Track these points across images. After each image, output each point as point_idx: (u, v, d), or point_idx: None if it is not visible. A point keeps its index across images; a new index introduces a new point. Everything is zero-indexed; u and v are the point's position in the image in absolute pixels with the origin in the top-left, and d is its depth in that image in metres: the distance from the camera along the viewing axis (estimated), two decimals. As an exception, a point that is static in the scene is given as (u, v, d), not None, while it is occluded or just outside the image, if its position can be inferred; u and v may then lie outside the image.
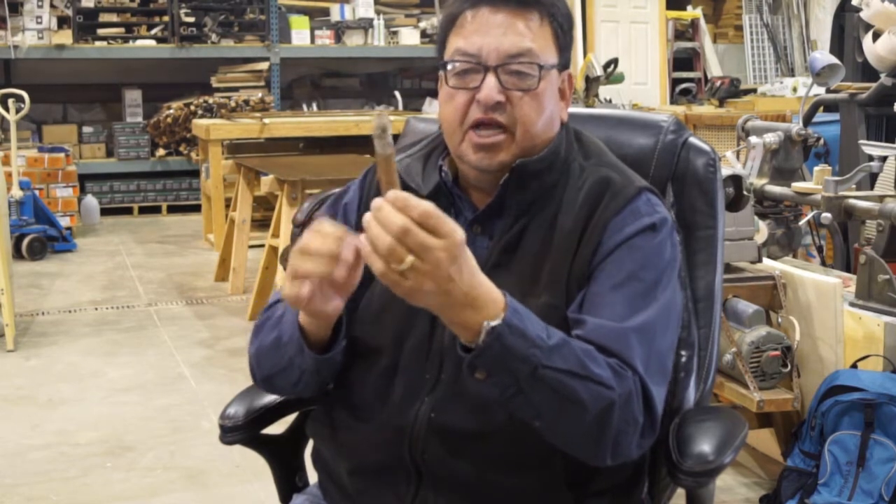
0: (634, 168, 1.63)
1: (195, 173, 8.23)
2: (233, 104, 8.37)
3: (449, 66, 1.51)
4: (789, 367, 2.94)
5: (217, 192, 6.86)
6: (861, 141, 4.23)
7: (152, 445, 3.63)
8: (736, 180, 2.88)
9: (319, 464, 1.63)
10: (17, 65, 8.56)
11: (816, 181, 3.42)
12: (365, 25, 9.10)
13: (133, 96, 8.94)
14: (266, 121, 7.10)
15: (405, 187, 1.33)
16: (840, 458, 2.82)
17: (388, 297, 1.45)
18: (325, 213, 1.68)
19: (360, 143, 6.90)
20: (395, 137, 2.02)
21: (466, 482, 1.48)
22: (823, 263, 4.02)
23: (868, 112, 4.81)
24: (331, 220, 1.35)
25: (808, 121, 4.64)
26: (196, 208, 8.15)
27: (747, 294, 3.04)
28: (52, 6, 8.38)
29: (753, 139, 3.67)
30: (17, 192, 6.58)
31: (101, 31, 8.54)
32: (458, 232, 1.22)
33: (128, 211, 8.62)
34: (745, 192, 2.94)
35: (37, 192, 6.96)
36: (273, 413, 1.78)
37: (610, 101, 7.73)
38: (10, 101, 6.65)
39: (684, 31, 9.91)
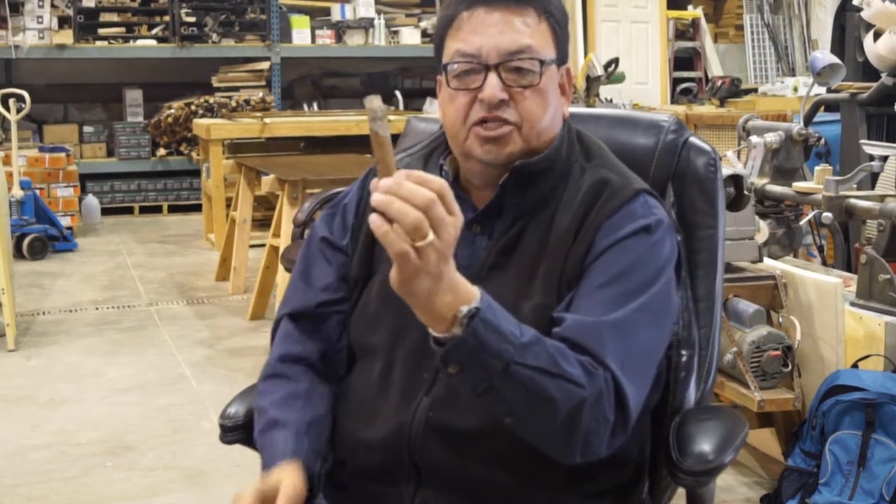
0: (635, 168, 1.62)
1: (196, 173, 8.23)
2: (233, 104, 8.37)
3: (449, 68, 1.51)
4: (790, 367, 2.94)
5: (218, 192, 6.86)
6: (862, 140, 4.23)
7: (153, 445, 3.63)
8: (737, 180, 2.88)
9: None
10: (18, 64, 8.56)
11: (817, 181, 3.41)
12: (366, 25, 9.10)
13: (134, 96, 8.94)
14: (267, 120, 7.10)
15: None
16: (841, 458, 2.82)
17: (385, 297, 1.45)
18: (324, 214, 1.69)
19: (361, 143, 6.89)
20: (396, 137, 2.02)
21: (466, 481, 1.48)
22: (824, 263, 4.02)
23: (869, 112, 4.81)
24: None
25: (808, 120, 4.64)
26: (197, 208, 8.15)
27: (748, 294, 3.04)
28: (53, 6, 8.38)
29: (754, 139, 3.67)
30: (17, 192, 6.58)
31: (101, 31, 8.54)
32: (459, 212, 1.22)
33: (129, 210, 8.62)
34: (745, 192, 2.93)
35: (38, 192, 6.96)
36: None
37: (611, 100, 7.73)
38: (11, 101, 6.65)
39: (685, 31, 9.90)
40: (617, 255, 1.46)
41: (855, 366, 2.91)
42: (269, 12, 8.83)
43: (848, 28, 5.52)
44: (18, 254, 6.54)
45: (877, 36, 4.70)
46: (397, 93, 8.73)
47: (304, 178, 5.08)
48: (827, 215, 3.24)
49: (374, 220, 1.18)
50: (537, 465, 1.45)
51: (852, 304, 3.04)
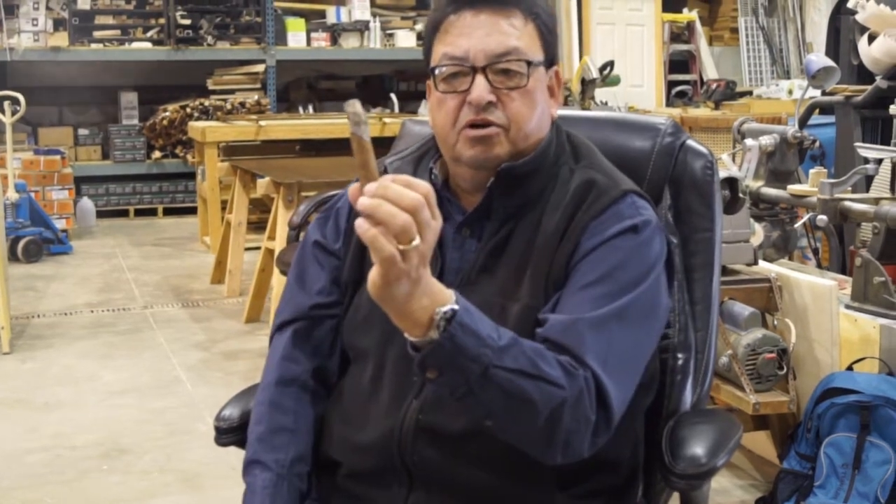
0: (632, 171, 1.63)
1: (191, 176, 8.22)
2: (229, 106, 8.37)
3: (437, 72, 1.52)
4: (785, 370, 2.94)
5: (213, 195, 6.86)
6: (857, 143, 4.23)
7: (148, 448, 3.63)
8: (732, 183, 2.88)
9: (315, 466, 1.64)
10: (13, 67, 8.54)
11: (812, 184, 3.42)
12: (361, 28, 9.10)
13: (129, 98, 8.93)
14: (262, 123, 7.10)
15: None
16: (836, 461, 2.83)
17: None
18: (318, 218, 1.69)
19: (357, 146, 6.88)
20: (391, 140, 2.03)
21: (457, 483, 1.48)
22: (819, 266, 4.03)
23: (864, 114, 4.81)
24: None
25: (803, 123, 4.64)
26: (192, 211, 8.14)
27: (743, 296, 3.04)
28: (48, 8, 8.37)
29: (749, 142, 3.67)
30: (12, 195, 6.57)
31: (96, 34, 8.52)
32: (440, 216, 1.22)
33: (124, 213, 8.61)
34: (741, 195, 2.94)
35: (32, 195, 6.95)
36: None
37: (606, 103, 7.73)
38: (6, 104, 6.65)
39: (680, 34, 9.91)
40: (603, 255, 1.46)
41: (850, 368, 2.92)
42: (265, 15, 8.82)
43: (843, 31, 5.53)
44: (13, 256, 6.53)
45: (871, 39, 4.70)
46: (392, 95, 8.73)
47: (300, 180, 5.08)
48: (822, 218, 3.24)
49: (360, 224, 1.17)
50: (529, 466, 1.44)
51: (847, 307, 3.04)
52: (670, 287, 1.58)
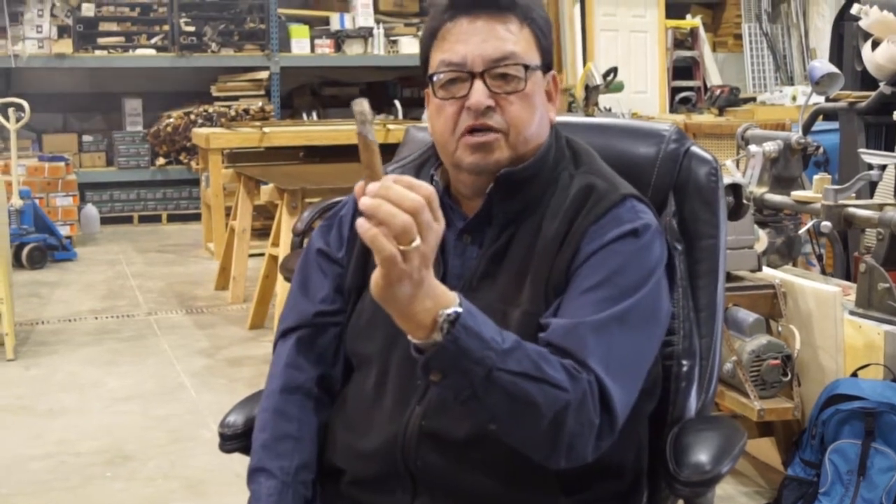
0: (636, 177, 1.63)
1: (195, 182, 8.23)
2: (233, 113, 8.38)
3: (435, 78, 1.52)
4: (789, 376, 2.94)
5: (217, 201, 6.87)
6: (860, 149, 4.23)
7: (152, 455, 3.63)
8: (736, 189, 2.88)
9: (319, 473, 1.64)
10: (18, 74, 8.57)
11: (816, 190, 3.42)
12: (365, 34, 9.12)
13: (133, 105, 8.95)
14: (266, 130, 7.11)
15: None
16: (841, 467, 2.82)
17: (379, 306, 1.46)
18: (321, 226, 1.70)
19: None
20: (395, 146, 2.03)
21: (461, 489, 1.48)
22: (823, 272, 4.02)
23: (867, 121, 4.81)
24: None
25: (807, 129, 4.64)
26: (196, 217, 8.15)
27: (747, 303, 3.04)
28: (53, 15, 8.39)
29: (753, 148, 3.67)
30: (17, 201, 6.58)
31: (101, 41, 8.54)
32: (443, 219, 1.22)
33: (128, 220, 8.62)
34: (744, 201, 2.94)
35: (37, 202, 6.96)
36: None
37: (609, 109, 7.74)
38: (11, 111, 6.66)
39: (684, 40, 9.92)
40: (604, 259, 1.46)
41: (854, 375, 2.91)
42: (269, 22, 8.84)
43: (846, 37, 5.53)
44: (17, 263, 6.53)
45: (875, 45, 4.70)
46: (396, 102, 8.74)
47: (304, 187, 5.09)
48: (826, 224, 3.24)
49: (361, 223, 1.18)
50: (533, 472, 1.44)
51: (851, 313, 3.04)
52: (672, 292, 1.58)
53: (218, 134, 7.08)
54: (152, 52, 8.63)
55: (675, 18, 9.76)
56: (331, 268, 1.65)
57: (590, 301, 1.43)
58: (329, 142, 7.24)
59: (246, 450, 1.69)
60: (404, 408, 1.51)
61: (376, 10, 9.23)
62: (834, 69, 3.80)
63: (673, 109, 8.85)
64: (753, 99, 8.81)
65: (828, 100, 4.88)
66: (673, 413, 1.66)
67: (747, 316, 2.97)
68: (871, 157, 3.90)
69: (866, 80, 5.08)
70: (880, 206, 3.21)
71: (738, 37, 10.14)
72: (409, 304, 1.23)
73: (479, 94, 1.48)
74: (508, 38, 1.50)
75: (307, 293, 1.66)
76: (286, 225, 4.91)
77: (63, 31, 8.44)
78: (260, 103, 8.60)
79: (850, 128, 4.87)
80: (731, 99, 7.79)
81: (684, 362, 1.66)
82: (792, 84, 9.45)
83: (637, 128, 1.83)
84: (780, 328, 3.06)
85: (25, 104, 6.63)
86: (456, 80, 1.51)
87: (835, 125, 5.23)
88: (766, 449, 3.25)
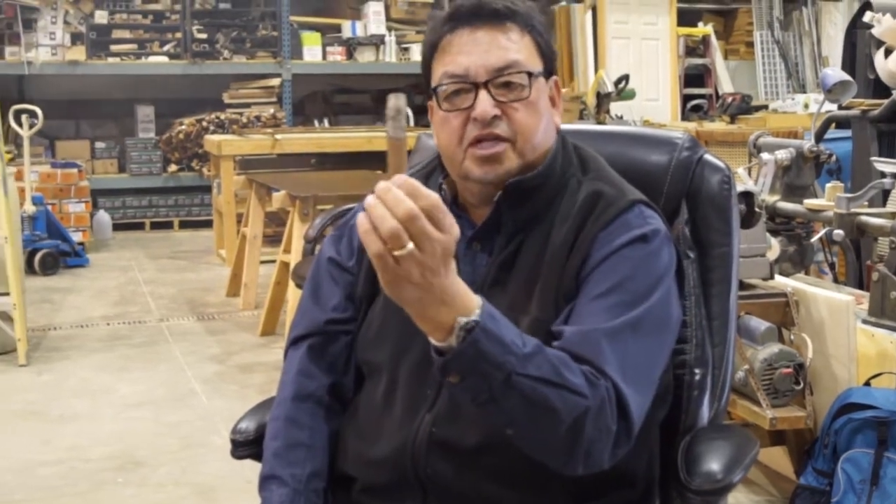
0: (649, 185, 1.63)
1: (207, 189, 8.25)
2: (244, 120, 8.40)
3: (439, 91, 1.52)
4: (802, 385, 2.93)
5: (229, 208, 6.88)
6: (873, 157, 4.22)
7: (164, 461, 3.63)
8: (748, 197, 2.88)
9: (330, 481, 1.64)
10: (31, 80, 8.61)
11: (828, 198, 3.41)
12: (376, 42, 9.14)
13: (145, 112, 8.98)
14: (278, 136, 7.13)
15: None
16: (853, 477, 2.81)
17: (388, 315, 1.45)
18: (332, 234, 1.70)
19: (372, 160, 6.90)
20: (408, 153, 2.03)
21: (471, 497, 1.48)
22: (836, 280, 4.01)
23: (880, 128, 4.79)
24: None
25: (819, 137, 4.63)
26: (208, 224, 8.17)
27: (759, 311, 3.03)
28: (66, 22, 8.43)
29: (765, 156, 3.67)
30: (29, 208, 6.61)
31: (113, 48, 8.58)
32: (455, 228, 1.22)
33: (140, 226, 8.65)
34: (757, 209, 2.93)
35: (49, 208, 6.99)
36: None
37: (621, 117, 7.73)
38: (24, 117, 6.70)
39: (695, 48, 9.91)
40: (613, 265, 1.46)
41: (867, 384, 2.90)
42: (281, 29, 8.87)
43: (859, 45, 5.52)
44: (30, 269, 6.55)
45: (888, 53, 4.70)
46: (408, 109, 8.75)
47: (315, 194, 5.09)
48: (838, 232, 3.23)
49: (359, 217, 1.19)
50: (544, 480, 1.44)
51: (864, 322, 3.03)
52: (683, 299, 1.58)
53: (230, 141, 7.10)
54: (165, 59, 8.67)
55: (686, 26, 9.75)
56: (342, 276, 1.65)
57: (602, 307, 1.43)
58: (341, 149, 7.26)
59: (257, 456, 1.69)
60: (414, 416, 1.51)
61: (388, 18, 9.25)
62: (846, 77, 3.79)
63: (684, 117, 8.84)
64: (765, 107, 8.80)
65: (840, 108, 4.87)
66: (685, 422, 1.65)
67: (759, 324, 2.97)
68: (884, 165, 3.89)
69: (879, 88, 5.07)
70: (893, 215, 3.20)
71: (750, 44, 10.12)
72: (420, 307, 1.23)
73: (484, 104, 1.49)
74: (510, 47, 1.51)
75: (318, 301, 1.66)
76: (298, 232, 4.92)
77: (76, 39, 8.49)
78: (272, 110, 8.62)
79: (862, 136, 4.86)
80: (742, 107, 7.78)
81: (697, 371, 1.66)
82: (804, 92, 9.43)
83: (650, 136, 1.83)
84: (792, 337, 3.05)
85: (38, 111, 6.66)
86: (460, 91, 1.51)
87: (847, 133, 5.22)
88: (778, 458, 3.23)
